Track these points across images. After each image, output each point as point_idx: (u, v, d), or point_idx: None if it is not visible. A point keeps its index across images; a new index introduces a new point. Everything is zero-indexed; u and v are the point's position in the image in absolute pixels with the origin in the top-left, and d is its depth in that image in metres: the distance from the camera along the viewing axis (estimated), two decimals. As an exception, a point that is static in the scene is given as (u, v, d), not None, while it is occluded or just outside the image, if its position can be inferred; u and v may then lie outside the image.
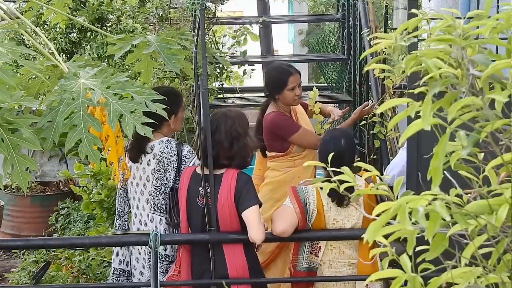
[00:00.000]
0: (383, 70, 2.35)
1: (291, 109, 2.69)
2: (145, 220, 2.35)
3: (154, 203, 2.33)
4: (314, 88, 2.73)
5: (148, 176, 2.33)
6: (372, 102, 2.57)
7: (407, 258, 0.66)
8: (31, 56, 3.04)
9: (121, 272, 2.42)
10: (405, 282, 0.67)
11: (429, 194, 0.63)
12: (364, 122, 2.55)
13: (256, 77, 4.00)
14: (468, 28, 0.80)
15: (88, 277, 3.08)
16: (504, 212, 0.59)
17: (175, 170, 2.31)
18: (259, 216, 2.07)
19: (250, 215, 2.02)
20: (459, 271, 0.64)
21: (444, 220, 0.62)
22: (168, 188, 2.30)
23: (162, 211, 2.32)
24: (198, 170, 2.15)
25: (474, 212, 0.61)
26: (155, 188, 2.31)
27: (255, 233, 1.99)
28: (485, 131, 0.67)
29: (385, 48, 0.95)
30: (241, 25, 3.51)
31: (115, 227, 2.49)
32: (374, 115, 2.44)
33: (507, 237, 0.61)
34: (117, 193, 2.47)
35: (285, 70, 2.65)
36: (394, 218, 0.66)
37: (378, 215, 0.68)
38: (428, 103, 0.65)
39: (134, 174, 2.37)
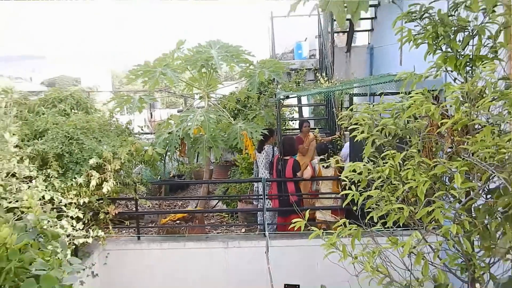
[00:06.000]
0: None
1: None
2: (261, 174, 6.69)
3: (265, 167, 6.65)
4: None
5: (263, 158, 6.65)
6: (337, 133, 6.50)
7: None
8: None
9: None
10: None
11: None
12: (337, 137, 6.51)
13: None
14: None
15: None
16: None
17: (271, 155, 6.58)
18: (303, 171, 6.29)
19: (302, 172, 6.23)
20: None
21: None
22: (269, 162, 6.59)
23: (267, 170, 6.64)
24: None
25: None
26: (266, 163, 6.63)
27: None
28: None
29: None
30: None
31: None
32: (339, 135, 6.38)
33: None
34: (254, 163, 6.87)
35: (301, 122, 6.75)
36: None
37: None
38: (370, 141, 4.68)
39: (259, 157, 6.72)
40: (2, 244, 2.01)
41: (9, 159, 4.53)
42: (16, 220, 2.61)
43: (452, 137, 2.88)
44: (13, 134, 4.54)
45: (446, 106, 2.76)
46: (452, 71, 2.89)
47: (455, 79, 2.94)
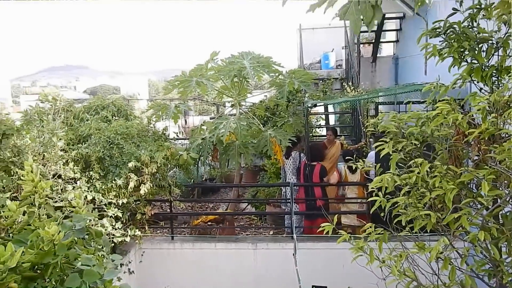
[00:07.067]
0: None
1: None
2: (288, 179, 6.85)
3: (292, 173, 6.81)
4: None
5: (291, 164, 6.81)
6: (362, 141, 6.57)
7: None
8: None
9: None
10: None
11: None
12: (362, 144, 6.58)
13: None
14: None
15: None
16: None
17: (299, 161, 6.73)
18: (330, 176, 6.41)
19: (328, 177, 6.37)
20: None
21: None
22: (296, 168, 6.74)
23: (294, 175, 6.79)
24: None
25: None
26: (293, 168, 6.79)
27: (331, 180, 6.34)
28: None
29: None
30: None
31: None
32: (365, 142, 6.46)
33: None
34: (282, 169, 7.04)
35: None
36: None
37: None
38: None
39: (287, 163, 6.88)
40: (50, 240, 2.10)
41: (56, 162, 4.89)
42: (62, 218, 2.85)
43: (479, 146, 2.95)
44: (60, 139, 4.90)
45: (472, 115, 2.84)
46: (478, 82, 2.97)
47: (480, 89, 3.02)
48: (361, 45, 10.25)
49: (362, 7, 2.24)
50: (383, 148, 3.02)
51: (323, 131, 9.93)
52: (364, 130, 6.64)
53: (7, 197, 3.05)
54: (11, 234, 2.46)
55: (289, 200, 6.14)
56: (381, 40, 10.61)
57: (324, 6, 2.32)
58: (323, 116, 9.74)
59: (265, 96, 8.02)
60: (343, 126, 10.60)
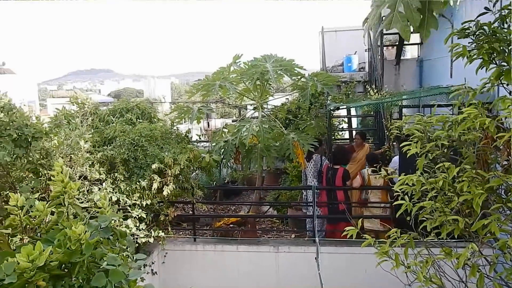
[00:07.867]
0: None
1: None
2: (310, 182, 6.80)
3: (313, 176, 6.76)
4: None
5: (312, 167, 6.77)
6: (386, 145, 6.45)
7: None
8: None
9: None
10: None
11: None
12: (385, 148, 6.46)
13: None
14: None
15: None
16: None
17: (320, 164, 6.68)
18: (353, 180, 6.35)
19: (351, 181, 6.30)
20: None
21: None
22: (318, 171, 6.69)
23: (315, 178, 6.74)
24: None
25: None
26: (314, 171, 6.75)
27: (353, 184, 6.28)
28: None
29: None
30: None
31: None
32: (389, 146, 6.33)
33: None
34: (303, 172, 7.01)
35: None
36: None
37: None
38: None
39: (308, 166, 6.85)
40: (77, 240, 2.14)
41: (82, 164, 5.02)
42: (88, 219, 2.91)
43: (508, 150, 2.87)
44: (86, 141, 5.03)
45: (501, 119, 2.77)
46: (507, 85, 2.89)
47: (510, 92, 2.93)
48: (385, 48, 10.12)
49: (406, 12, 2.20)
50: (409, 150, 2.97)
51: (345, 134, 9.85)
52: (387, 133, 6.53)
53: (36, 198, 3.15)
54: (39, 234, 2.54)
55: (311, 204, 6.10)
56: (405, 42, 10.44)
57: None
58: (346, 119, 9.67)
59: (286, 98, 8.01)
60: (366, 129, 10.51)
